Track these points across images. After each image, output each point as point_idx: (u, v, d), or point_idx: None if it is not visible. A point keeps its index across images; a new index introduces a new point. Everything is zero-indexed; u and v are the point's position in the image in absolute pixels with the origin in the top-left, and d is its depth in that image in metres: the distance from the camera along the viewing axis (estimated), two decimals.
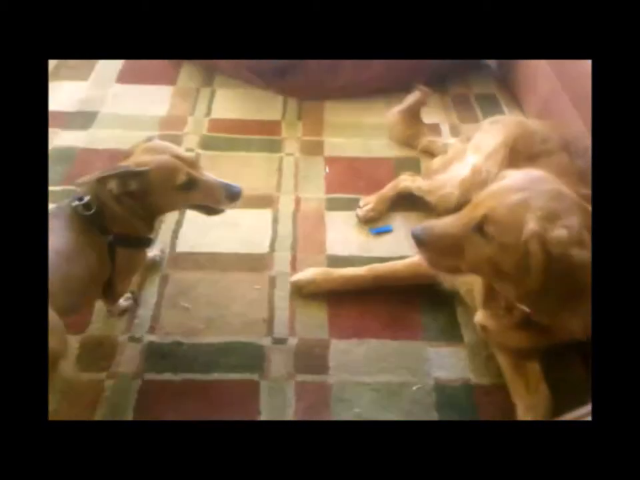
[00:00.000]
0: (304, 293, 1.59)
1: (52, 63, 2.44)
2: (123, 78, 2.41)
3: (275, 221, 1.82)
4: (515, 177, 1.21)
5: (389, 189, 1.88)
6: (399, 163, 2.04)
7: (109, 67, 2.46)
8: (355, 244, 1.76)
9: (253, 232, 1.78)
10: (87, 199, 1.23)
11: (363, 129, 2.20)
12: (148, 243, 1.37)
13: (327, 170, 2.02)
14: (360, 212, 1.84)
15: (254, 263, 1.68)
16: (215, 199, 1.32)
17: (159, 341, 1.47)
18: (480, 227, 1.16)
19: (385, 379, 1.41)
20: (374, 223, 1.82)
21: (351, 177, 1.99)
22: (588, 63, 1.22)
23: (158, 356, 1.43)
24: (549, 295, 1.12)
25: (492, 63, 2.57)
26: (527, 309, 1.23)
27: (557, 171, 1.26)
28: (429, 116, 2.17)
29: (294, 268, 1.67)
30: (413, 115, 2.09)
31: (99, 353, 1.43)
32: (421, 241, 1.23)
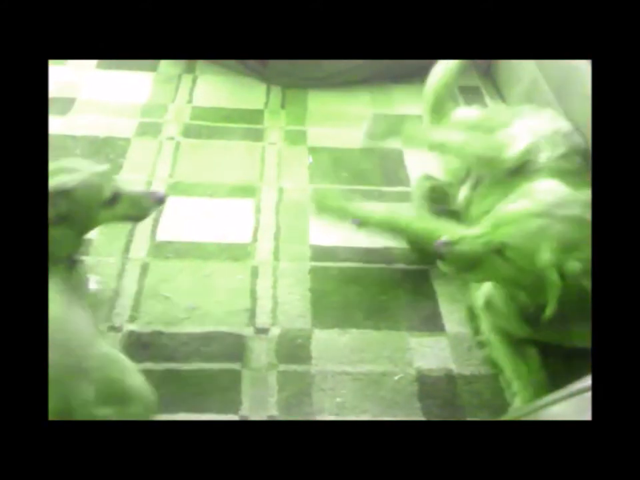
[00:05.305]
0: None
1: None
2: (102, 63, 2.36)
3: (258, 210, 1.80)
4: (538, 198, 1.26)
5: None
6: (383, 154, 2.03)
7: None
8: (338, 235, 1.74)
9: (235, 221, 1.76)
10: None
11: (347, 119, 2.18)
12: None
13: (311, 160, 2.01)
14: None
15: (236, 252, 1.67)
16: (142, 208, 1.31)
17: (139, 330, 1.45)
18: (499, 250, 1.22)
19: (367, 368, 1.41)
20: None
21: (335, 168, 1.98)
22: None
23: (138, 345, 1.41)
24: (562, 310, 1.18)
25: None
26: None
27: None
28: (412, 107, 2.17)
29: (276, 258, 1.66)
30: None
31: None
32: (442, 256, 1.30)
